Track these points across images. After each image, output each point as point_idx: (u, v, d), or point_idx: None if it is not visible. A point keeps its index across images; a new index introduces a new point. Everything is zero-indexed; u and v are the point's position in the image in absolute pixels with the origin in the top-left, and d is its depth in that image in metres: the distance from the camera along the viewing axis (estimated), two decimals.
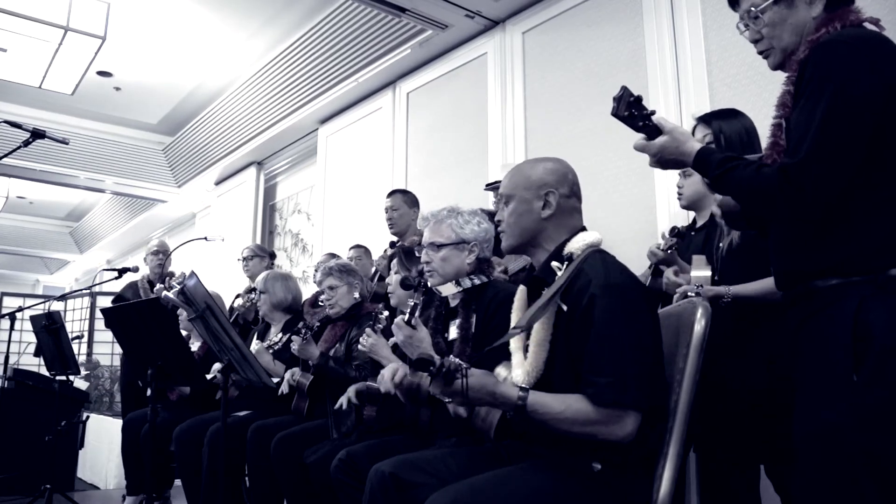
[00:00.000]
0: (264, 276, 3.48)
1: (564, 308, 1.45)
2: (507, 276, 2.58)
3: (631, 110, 1.36)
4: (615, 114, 1.36)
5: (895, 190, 1.22)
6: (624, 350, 1.36)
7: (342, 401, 2.48)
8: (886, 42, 1.26)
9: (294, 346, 2.79)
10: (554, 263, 1.53)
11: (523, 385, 1.43)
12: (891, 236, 1.21)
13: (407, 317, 1.93)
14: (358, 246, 4.10)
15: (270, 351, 3.19)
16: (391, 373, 2.03)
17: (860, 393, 1.15)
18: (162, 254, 4.72)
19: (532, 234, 1.59)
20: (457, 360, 1.28)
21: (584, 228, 1.60)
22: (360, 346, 2.31)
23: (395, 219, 3.63)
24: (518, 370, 1.51)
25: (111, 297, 5.67)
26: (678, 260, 2.09)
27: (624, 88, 1.35)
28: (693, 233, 2.20)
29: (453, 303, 2.16)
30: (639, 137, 1.42)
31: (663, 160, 1.40)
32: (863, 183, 1.22)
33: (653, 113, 1.38)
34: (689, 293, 1.75)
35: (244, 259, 4.45)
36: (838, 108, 1.18)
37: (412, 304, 1.98)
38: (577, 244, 1.53)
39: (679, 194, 2.26)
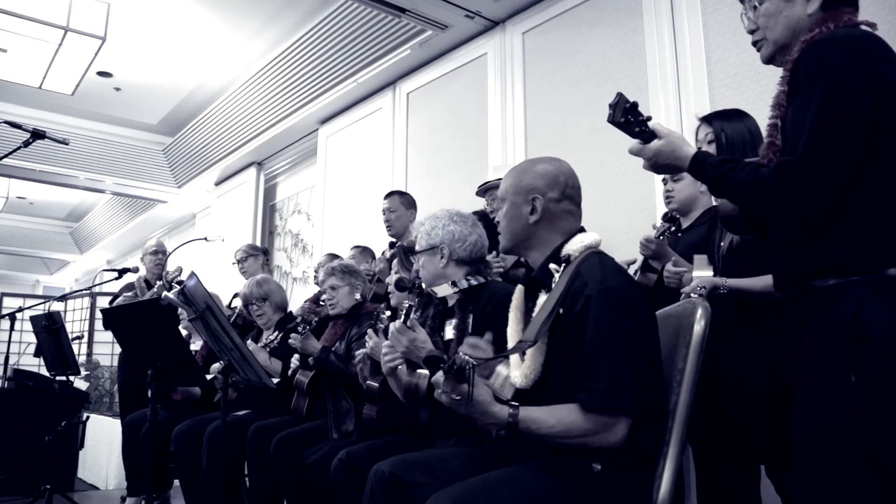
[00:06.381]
0: (257, 283, 3.42)
1: (560, 311, 1.44)
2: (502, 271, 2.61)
3: (627, 116, 1.36)
4: (611, 120, 1.37)
5: (891, 188, 1.22)
6: (620, 355, 1.35)
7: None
8: (878, 40, 1.27)
9: (294, 343, 2.79)
10: (552, 266, 1.53)
11: (521, 386, 1.43)
12: (888, 235, 1.21)
13: (402, 319, 1.93)
14: (359, 247, 4.09)
15: (267, 349, 3.19)
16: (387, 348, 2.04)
17: (859, 393, 1.15)
18: (161, 254, 4.72)
19: (522, 237, 1.60)
20: (465, 356, 1.25)
21: (582, 229, 1.59)
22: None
23: (392, 220, 3.65)
24: (516, 371, 1.50)
25: (110, 298, 5.67)
26: (669, 250, 2.08)
27: (619, 95, 1.35)
28: (680, 234, 2.20)
29: (451, 302, 2.16)
30: (635, 142, 1.42)
31: (658, 165, 1.41)
32: (859, 181, 1.22)
33: (649, 119, 1.38)
34: (692, 294, 1.75)
35: (239, 261, 4.43)
36: (832, 103, 1.19)
37: (407, 305, 1.98)
38: (574, 246, 1.52)
39: (668, 198, 2.28)
